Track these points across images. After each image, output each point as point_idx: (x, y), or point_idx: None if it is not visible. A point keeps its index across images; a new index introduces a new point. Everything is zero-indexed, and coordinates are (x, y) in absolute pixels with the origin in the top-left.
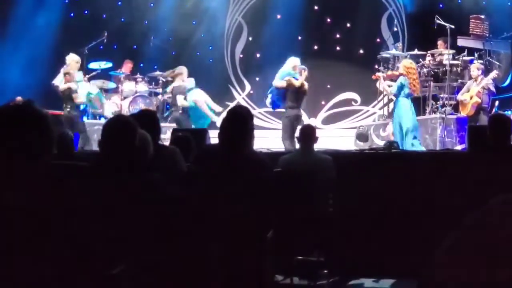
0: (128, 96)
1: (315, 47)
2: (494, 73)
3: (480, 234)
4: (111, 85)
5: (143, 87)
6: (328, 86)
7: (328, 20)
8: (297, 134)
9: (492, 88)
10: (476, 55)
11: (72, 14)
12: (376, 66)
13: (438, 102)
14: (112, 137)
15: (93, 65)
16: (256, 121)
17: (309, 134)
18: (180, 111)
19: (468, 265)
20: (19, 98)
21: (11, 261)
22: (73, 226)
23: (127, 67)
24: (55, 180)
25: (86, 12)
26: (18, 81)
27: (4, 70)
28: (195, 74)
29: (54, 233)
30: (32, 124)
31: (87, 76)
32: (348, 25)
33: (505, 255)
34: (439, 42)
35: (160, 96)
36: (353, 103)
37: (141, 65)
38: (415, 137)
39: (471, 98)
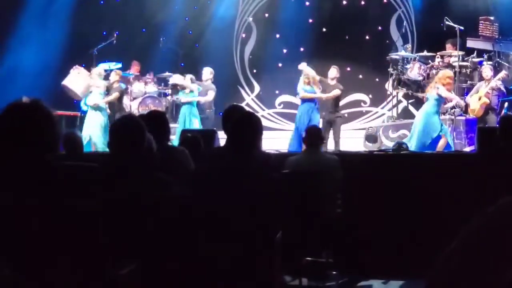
0: (137, 97)
1: (324, 48)
2: (502, 74)
3: (488, 236)
4: (122, 85)
5: (152, 88)
6: None
7: (337, 21)
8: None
9: (503, 89)
10: (485, 56)
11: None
12: (386, 68)
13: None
14: (120, 137)
15: (102, 66)
16: (264, 122)
17: (315, 135)
18: None
19: (474, 266)
20: (25, 98)
21: (16, 259)
22: (79, 225)
23: (134, 68)
24: (60, 178)
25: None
26: (29, 80)
27: (15, 68)
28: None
29: (58, 230)
30: (38, 122)
31: None
32: (357, 26)
33: (507, 255)
34: (448, 45)
35: (169, 97)
36: (362, 104)
37: (151, 66)
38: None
39: (479, 99)
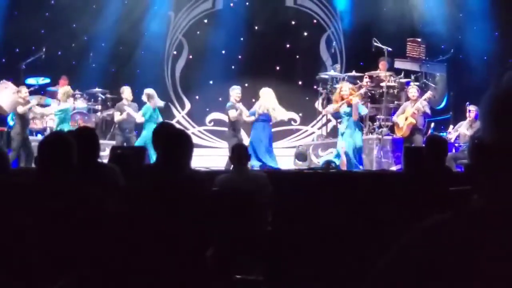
0: None
1: (255, 67)
2: (428, 94)
3: (412, 254)
4: (49, 101)
5: (81, 103)
6: None
7: (268, 40)
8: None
9: (428, 111)
10: (412, 77)
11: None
12: (315, 87)
13: (375, 123)
14: (47, 154)
15: (30, 81)
16: (195, 139)
17: (241, 154)
18: None
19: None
20: None
21: None
22: (8, 243)
23: (63, 83)
24: None
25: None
26: None
27: None
28: (135, 91)
29: None
30: None
31: None
32: (288, 45)
33: (434, 274)
34: (382, 63)
35: (99, 113)
36: (292, 122)
37: (80, 81)
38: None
39: (406, 119)
